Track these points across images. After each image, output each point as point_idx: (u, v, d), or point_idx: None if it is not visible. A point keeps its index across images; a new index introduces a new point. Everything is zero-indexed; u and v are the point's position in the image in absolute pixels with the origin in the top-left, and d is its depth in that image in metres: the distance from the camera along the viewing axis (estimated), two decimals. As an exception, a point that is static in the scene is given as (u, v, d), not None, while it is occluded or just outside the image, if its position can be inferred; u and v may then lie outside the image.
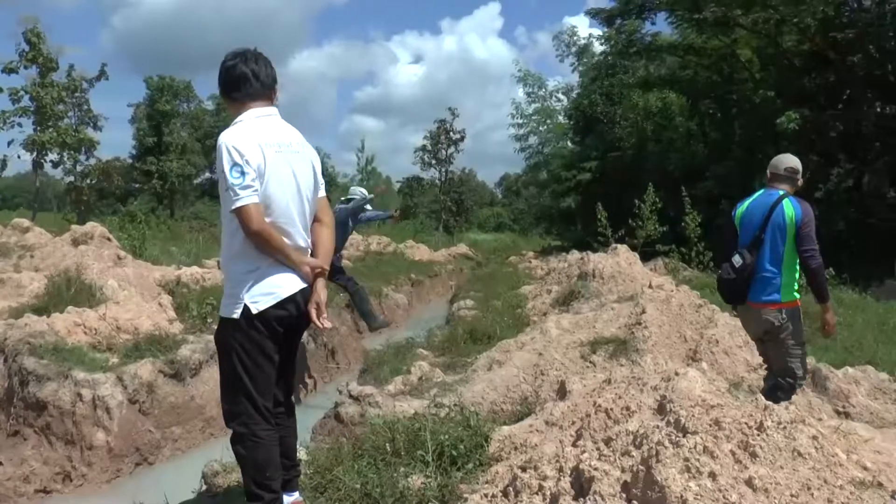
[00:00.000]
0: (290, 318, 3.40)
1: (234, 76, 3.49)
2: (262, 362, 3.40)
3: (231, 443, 3.49)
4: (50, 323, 8.09)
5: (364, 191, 11.22)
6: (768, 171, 5.49)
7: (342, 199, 10.99)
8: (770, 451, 2.62)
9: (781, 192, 5.20)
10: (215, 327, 9.35)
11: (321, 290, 3.43)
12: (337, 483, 3.86)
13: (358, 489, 3.68)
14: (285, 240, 3.37)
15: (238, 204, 3.22)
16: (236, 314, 3.35)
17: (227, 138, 3.29)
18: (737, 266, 5.15)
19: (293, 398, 3.86)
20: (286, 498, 3.63)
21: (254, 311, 3.32)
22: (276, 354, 3.45)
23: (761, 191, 5.38)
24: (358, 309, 10.75)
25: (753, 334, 5.47)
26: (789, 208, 5.06)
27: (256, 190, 3.25)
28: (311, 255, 3.56)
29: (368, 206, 11.13)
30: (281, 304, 3.35)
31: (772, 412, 2.84)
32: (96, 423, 6.96)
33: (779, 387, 5.14)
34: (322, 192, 3.68)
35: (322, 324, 3.39)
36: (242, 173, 3.23)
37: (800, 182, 5.41)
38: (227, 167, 3.23)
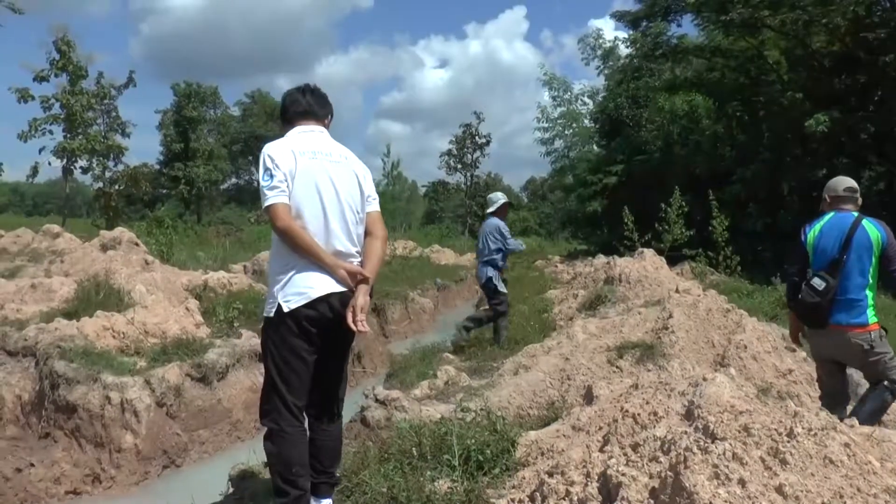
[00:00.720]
0: (323, 320, 3.48)
1: (285, 101, 3.93)
2: (291, 360, 3.52)
3: (263, 439, 3.61)
4: (79, 327, 8.19)
5: (501, 195, 10.51)
6: (826, 196, 5.48)
7: (489, 210, 10.25)
8: (801, 458, 2.58)
9: (855, 214, 5.22)
10: (242, 332, 9.43)
11: (361, 296, 3.48)
12: (363, 487, 3.87)
13: (384, 493, 3.69)
14: (317, 241, 3.49)
15: (266, 203, 3.45)
16: (271, 312, 3.52)
17: (265, 148, 3.60)
18: (820, 289, 5.08)
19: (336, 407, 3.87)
20: (314, 502, 3.68)
21: (285, 310, 3.45)
22: (310, 355, 3.56)
23: (831, 214, 5.32)
24: (495, 331, 10.13)
25: (831, 357, 5.40)
26: (872, 230, 5.08)
27: (284, 191, 3.46)
28: (360, 264, 3.66)
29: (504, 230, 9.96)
30: (311, 305, 3.45)
31: (802, 418, 2.80)
32: (125, 425, 7.04)
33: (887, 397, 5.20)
34: (374, 207, 3.81)
35: (357, 327, 3.42)
36: (271, 176, 3.46)
37: (860, 200, 5.42)
38: (260, 172, 3.52)
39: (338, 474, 3.89)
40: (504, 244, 9.81)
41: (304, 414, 3.66)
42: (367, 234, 3.77)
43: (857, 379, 6.36)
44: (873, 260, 5.06)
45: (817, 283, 5.10)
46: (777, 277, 14.81)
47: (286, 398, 3.53)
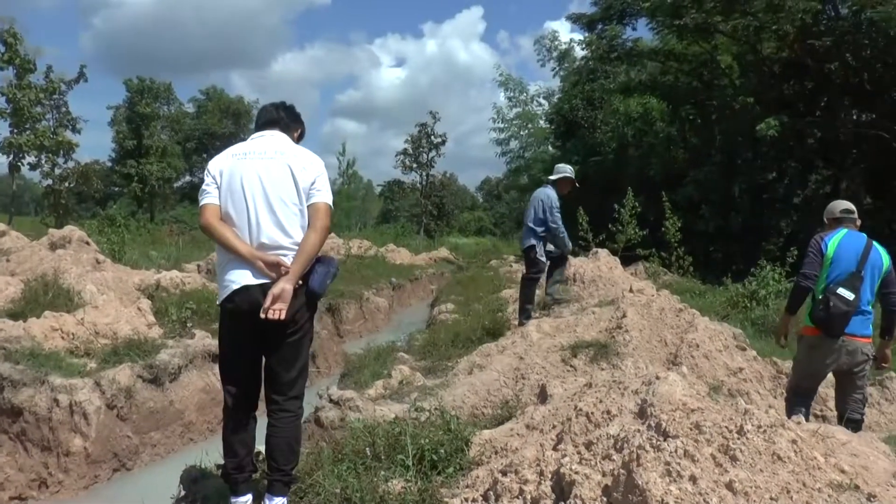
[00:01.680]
0: (241, 311, 3.65)
1: (258, 112, 4.22)
2: (226, 350, 3.88)
3: None
4: (26, 328, 8.01)
5: (568, 168, 9.96)
6: (826, 219, 5.74)
7: (549, 178, 9.82)
8: (750, 454, 2.62)
9: (864, 235, 5.49)
10: (195, 332, 9.31)
11: (281, 285, 3.56)
12: (317, 488, 3.84)
13: (338, 494, 3.66)
14: (235, 235, 3.69)
15: (199, 206, 3.81)
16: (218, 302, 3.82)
17: None
18: (850, 300, 5.26)
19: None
20: (266, 500, 3.75)
21: (217, 302, 3.81)
22: (242, 346, 3.79)
23: (845, 230, 5.51)
24: (549, 284, 10.01)
25: (835, 363, 5.52)
26: (884, 254, 5.43)
27: (210, 193, 3.77)
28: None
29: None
30: (230, 297, 3.66)
31: (752, 416, 2.84)
32: (73, 428, 6.90)
33: (858, 409, 5.51)
34: (317, 198, 3.80)
35: (266, 314, 3.51)
36: (204, 182, 3.83)
37: (858, 221, 5.65)
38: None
39: (294, 473, 3.88)
40: (548, 219, 9.30)
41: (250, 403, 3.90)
42: (308, 224, 3.80)
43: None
44: (878, 279, 5.36)
45: (846, 293, 5.28)
46: (728, 277, 15.06)
47: (224, 385, 3.86)
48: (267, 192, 3.71)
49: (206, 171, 3.83)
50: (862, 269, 5.32)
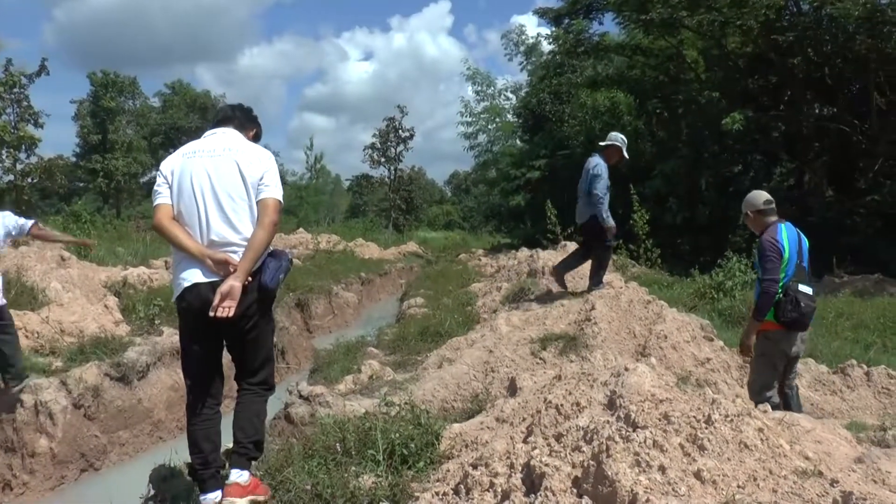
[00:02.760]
0: (193, 309, 3.68)
1: (214, 114, 4.29)
2: (185, 345, 3.91)
3: None
4: (-12, 326, 7.85)
5: (620, 136, 9.33)
6: (748, 212, 5.82)
7: (600, 144, 9.26)
8: (718, 443, 2.66)
9: (791, 224, 5.65)
10: (163, 329, 9.25)
11: (229, 282, 3.57)
12: (287, 484, 3.83)
13: (308, 490, 3.65)
14: (186, 234, 3.73)
15: (153, 206, 3.86)
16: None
17: None
18: (811, 295, 5.48)
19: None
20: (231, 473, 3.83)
21: (172, 300, 3.94)
22: (199, 342, 3.82)
23: (783, 225, 5.62)
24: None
25: (796, 353, 5.70)
26: (805, 238, 5.67)
27: (161, 193, 3.82)
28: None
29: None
30: (182, 295, 3.71)
31: (719, 405, 2.89)
32: (39, 429, 6.79)
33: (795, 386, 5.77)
34: (265, 194, 3.81)
35: (215, 312, 3.51)
36: (157, 182, 3.87)
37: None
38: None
39: (254, 448, 3.92)
40: (592, 187, 8.78)
41: (213, 398, 3.93)
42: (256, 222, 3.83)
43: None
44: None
45: (807, 289, 5.45)
46: (695, 269, 15.24)
47: (185, 380, 3.93)
48: (215, 189, 3.74)
49: (158, 172, 3.88)
50: (802, 261, 5.51)
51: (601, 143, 9.24)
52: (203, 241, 3.69)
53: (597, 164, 8.94)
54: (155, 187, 3.85)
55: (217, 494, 3.77)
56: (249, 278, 3.66)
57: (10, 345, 6.66)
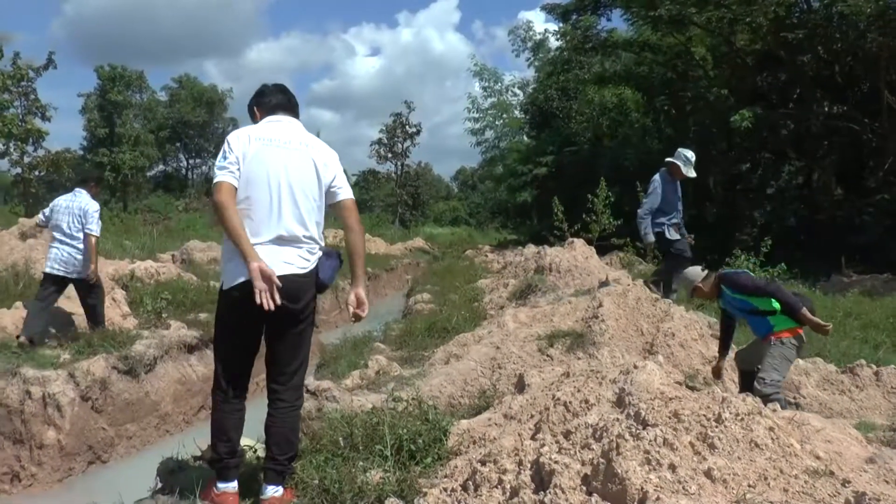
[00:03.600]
0: (248, 302, 3.44)
1: (261, 91, 4.07)
2: (228, 333, 3.78)
3: None
4: (-3, 318, 7.90)
5: (686, 154, 9.25)
6: (699, 285, 6.39)
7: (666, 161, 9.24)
8: (728, 442, 2.65)
9: None
10: (170, 322, 9.22)
11: (357, 291, 3.92)
12: (294, 479, 3.82)
13: (316, 484, 3.64)
14: (242, 225, 3.53)
15: (215, 180, 3.60)
16: (220, 285, 3.76)
17: (232, 133, 3.80)
18: None
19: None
20: (264, 489, 3.75)
21: (225, 287, 3.70)
22: (245, 334, 3.74)
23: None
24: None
25: None
26: None
27: (232, 172, 3.61)
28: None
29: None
30: (237, 287, 3.58)
31: (729, 404, 2.87)
32: (47, 421, 6.81)
33: None
34: (343, 195, 3.93)
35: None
36: (224, 157, 3.65)
37: None
38: (218, 156, 3.70)
39: (289, 465, 3.84)
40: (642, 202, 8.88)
41: (244, 390, 3.84)
42: (344, 227, 3.97)
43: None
44: None
45: None
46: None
47: (219, 370, 3.78)
48: (292, 184, 3.71)
49: (226, 147, 3.68)
50: None
51: (666, 160, 9.32)
52: (268, 234, 3.61)
53: (653, 179, 9.11)
54: (224, 162, 3.62)
55: (235, 485, 3.75)
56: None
57: (100, 302, 8.62)
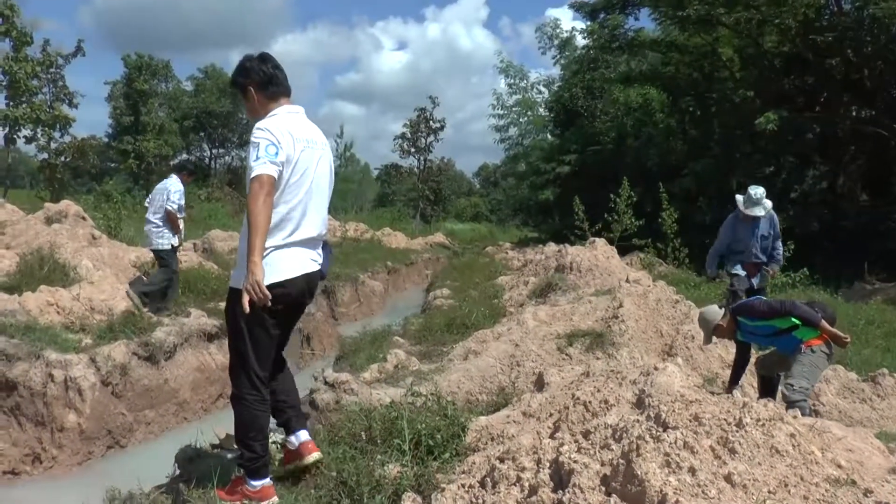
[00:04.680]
0: (291, 297, 3.64)
1: (267, 73, 3.78)
2: (265, 330, 3.66)
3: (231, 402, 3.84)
4: (21, 302, 7.99)
5: (747, 195, 8.47)
6: (719, 323, 6.16)
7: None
8: (749, 447, 2.63)
9: None
10: (190, 311, 9.25)
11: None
12: (312, 470, 3.85)
13: (334, 477, 3.66)
14: (297, 228, 3.63)
15: (260, 171, 3.41)
16: (240, 284, 3.54)
17: (267, 124, 3.61)
18: None
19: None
20: (298, 435, 3.96)
21: (277, 280, 3.56)
22: (282, 327, 3.81)
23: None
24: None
25: None
26: None
27: (278, 168, 3.49)
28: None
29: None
30: (282, 283, 3.57)
31: (750, 409, 2.86)
32: (68, 404, 6.88)
33: None
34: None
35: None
36: (274, 153, 3.50)
37: None
38: (262, 145, 3.49)
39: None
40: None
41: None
42: None
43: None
44: None
45: None
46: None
47: (252, 370, 3.65)
48: (321, 186, 3.81)
49: (275, 141, 3.53)
50: None
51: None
52: (303, 235, 3.65)
53: (728, 218, 8.66)
54: (272, 156, 3.48)
55: (269, 477, 3.77)
56: None
57: (164, 281, 9.66)
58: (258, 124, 3.62)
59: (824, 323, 5.57)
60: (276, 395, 3.90)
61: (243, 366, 3.66)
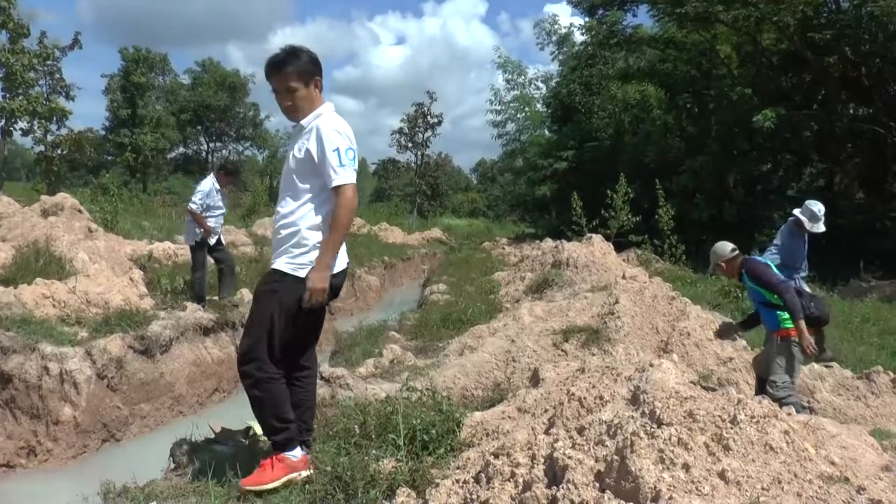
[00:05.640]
0: (332, 290, 3.80)
1: (319, 65, 3.91)
2: (302, 325, 3.85)
3: (248, 388, 3.81)
4: (17, 294, 7.96)
5: (810, 208, 8.39)
6: (721, 263, 6.25)
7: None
8: (743, 444, 2.64)
9: None
10: (186, 304, 9.19)
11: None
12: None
13: (328, 472, 3.66)
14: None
15: (351, 181, 3.71)
16: (301, 273, 3.70)
17: (340, 127, 3.77)
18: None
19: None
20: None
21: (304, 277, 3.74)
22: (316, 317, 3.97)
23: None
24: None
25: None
26: None
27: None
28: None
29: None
30: (334, 275, 3.79)
31: (745, 406, 2.86)
32: (63, 397, 6.87)
33: None
34: None
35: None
36: (353, 157, 3.77)
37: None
38: (343, 148, 3.70)
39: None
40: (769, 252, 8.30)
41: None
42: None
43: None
44: None
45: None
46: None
47: (275, 347, 3.74)
48: None
49: (350, 145, 3.77)
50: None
51: (794, 211, 8.58)
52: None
53: (780, 230, 8.64)
54: (350, 161, 3.75)
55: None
56: None
57: (229, 271, 10.45)
58: (334, 126, 3.74)
59: (800, 323, 5.61)
60: (294, 409, 3.93)
61: (269, 343, 3.72)
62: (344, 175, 3.66)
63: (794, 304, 5.63)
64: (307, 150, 3.72)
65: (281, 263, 3.75)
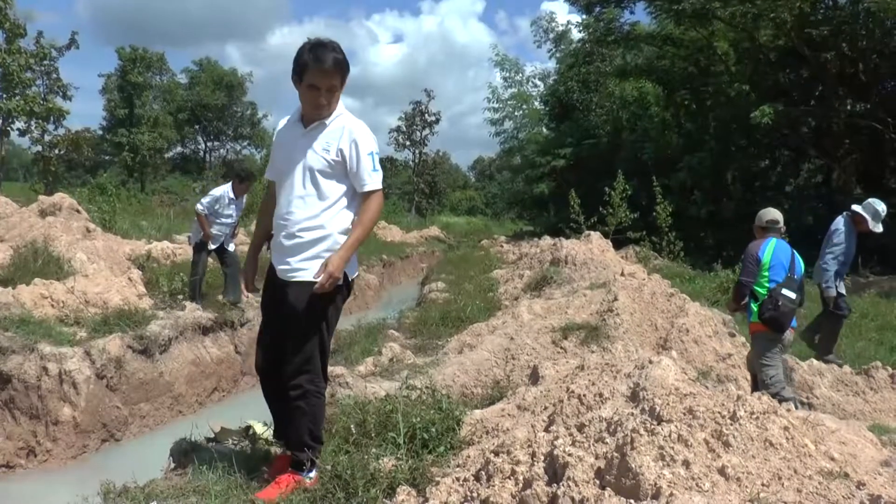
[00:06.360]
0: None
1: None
2: (333, 323, 3.78)
3: (297, 399, 3.67)
4: (15, 295, 7.96)
5: (873, 207, 8.13)
6: (754, 227, 6.26)
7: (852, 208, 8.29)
8: (743, 440, 2.64)
9: (787, 243, 6.07)
10: (185, 304, 9.19)
11: None
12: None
13: (328, 470, 3.65)
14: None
15: (379, 185, 3.67)
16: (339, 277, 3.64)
17: (369, 131, 3.71)
18: (794, 299, 5.78)
19: None
20: None
21: (352, 277, 3.79)
22: None
23: (773, 240, 5.99)
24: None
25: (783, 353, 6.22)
26: (801, 259, 6.07)
27: None
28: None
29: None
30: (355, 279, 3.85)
31: (744, 402, 2.86)
32: (62, 397, 6.87)
33: None
34: None
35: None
36: (379, 160, 3.76)
37: (783, 228, 6.21)
38: (375, 153, 3.69)
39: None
40: (825, 251, 8.12)
41: None
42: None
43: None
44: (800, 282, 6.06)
45: (790, 294, 5.76)
46: (718, 263, 15.15)
47: (327, 356, 3.80)
48: None
49: (377, 150, 3.77)
50: (794, 273, 5.87)
51: (853, 207, 8.36)
52: None
53: (836, 225, 8.24)
54: (378, 166, 3.70)
55: None
56: None
57: (234, 274, 10.20)
58: (365, 128, 3.69)
59: (733, 290, 6.02)
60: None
61: (323, 356, 3.71)
62: (378, 180, 3.65)
63: (741, 283, 5.92)
64: (339, 150, 3.58)
65: (314, 273, 3.57)
